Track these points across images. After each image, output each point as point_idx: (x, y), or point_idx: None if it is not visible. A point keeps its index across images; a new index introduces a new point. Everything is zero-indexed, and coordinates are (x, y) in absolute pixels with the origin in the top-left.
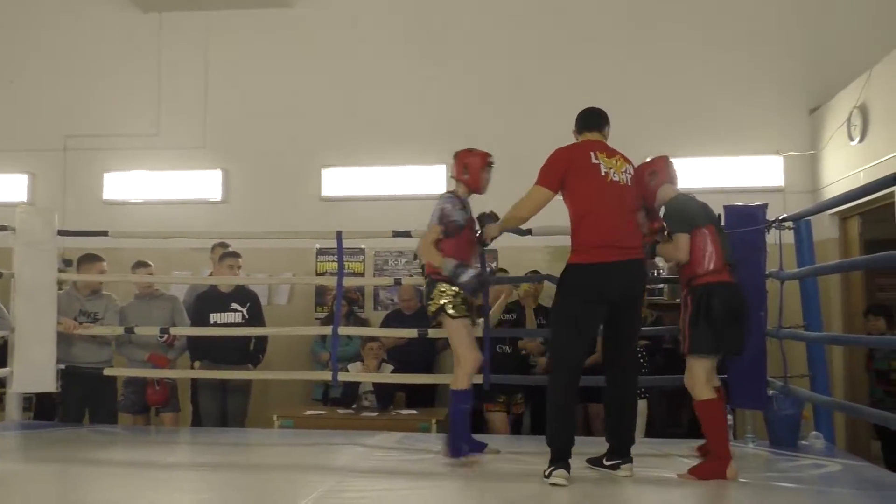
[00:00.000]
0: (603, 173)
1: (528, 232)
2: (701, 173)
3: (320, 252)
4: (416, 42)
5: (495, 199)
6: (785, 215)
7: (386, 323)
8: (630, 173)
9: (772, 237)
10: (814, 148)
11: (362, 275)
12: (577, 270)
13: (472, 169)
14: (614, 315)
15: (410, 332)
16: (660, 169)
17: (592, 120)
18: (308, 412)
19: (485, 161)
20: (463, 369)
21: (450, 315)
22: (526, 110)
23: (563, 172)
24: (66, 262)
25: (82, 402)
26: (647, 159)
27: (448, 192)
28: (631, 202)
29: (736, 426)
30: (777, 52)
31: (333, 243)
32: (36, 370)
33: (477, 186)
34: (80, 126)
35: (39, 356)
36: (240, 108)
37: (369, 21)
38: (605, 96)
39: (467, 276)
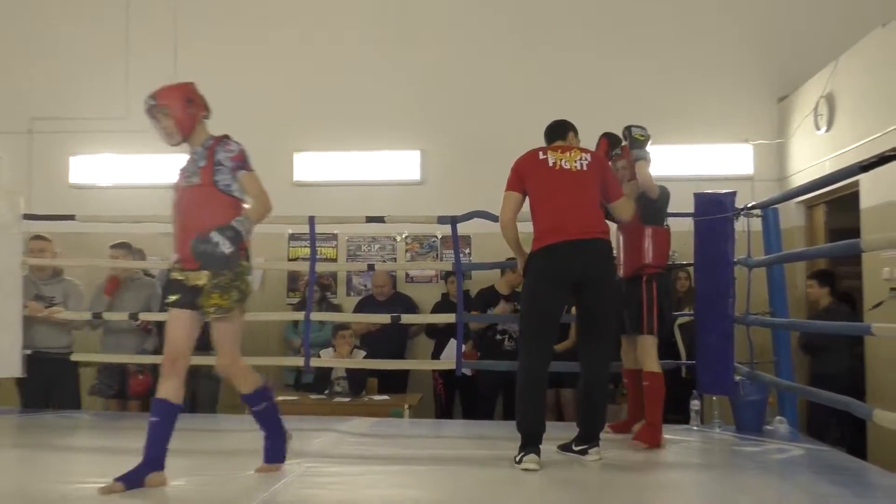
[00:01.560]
0: (551, 164)
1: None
2: (672, 161)
3: (293, 237)
4: (390, 26)
5: (478, 186)
6: (753, 203)
7: (359, 309)
8: (587, 160)
9: (740, 225)
10: (782, 136)
11: (335, 260)
12: (535, 256)
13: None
14: (580, 298)
15: (383, 318)
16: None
17: (554, 132)
18: (280, 398)
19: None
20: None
21: None
22: (498, 96)
23: (520, 176)
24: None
25: (44, 387)
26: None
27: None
28: (586, 186)
29: (703, 412)
30: (746, 41)
31: (306, 229)
32: (2, 355)
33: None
34: (46, 108)
35: (5, 341)
36: (210, 90)
37: (343, 4)
38: (576, 85)
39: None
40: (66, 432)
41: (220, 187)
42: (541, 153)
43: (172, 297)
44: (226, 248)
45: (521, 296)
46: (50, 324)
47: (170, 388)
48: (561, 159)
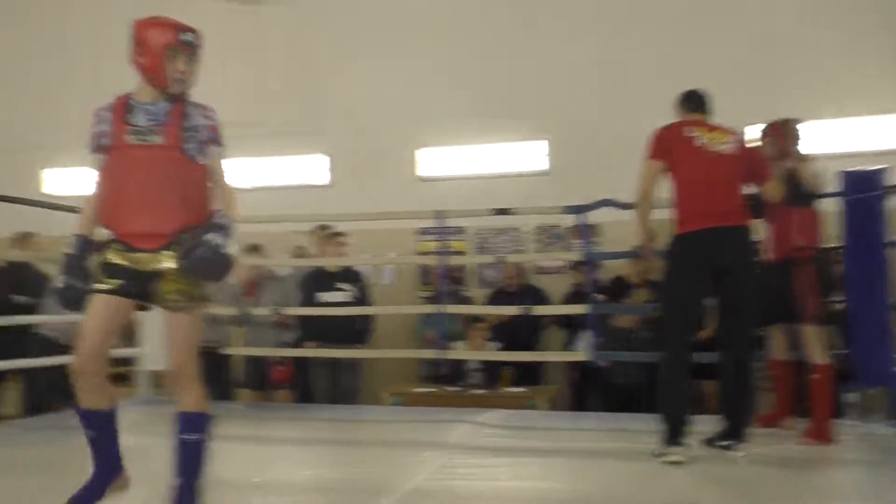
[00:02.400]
0: (699, 144)
1: (631, 205)
2: (817, 137)
3: (422, 232)
4: (511, 17)
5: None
6: None
7: (490, 300)
8: (734, 142)
9: (893, 203)
10: None
11: (464, 253)
12: (679, 241)
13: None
14: (721, 286)
15: (514, 310)
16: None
17: (691, 102)
18: (417, 389)
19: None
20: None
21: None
22: (624, 83)
23: (664, 147)
24: None
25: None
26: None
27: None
28: (732, 170)
29: (863, 406)
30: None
31: (435, 223)
32: (155, 348)
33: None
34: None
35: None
36: (338, 92)
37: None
38: (710, 71)
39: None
40: (217, 421)
41: (186, 154)
42: (685, 129)
43: (106, 284)
44: (230, 249)
45: (658, 284)
46: (210, 320)
47: (91, 396)
48: (710, 140)
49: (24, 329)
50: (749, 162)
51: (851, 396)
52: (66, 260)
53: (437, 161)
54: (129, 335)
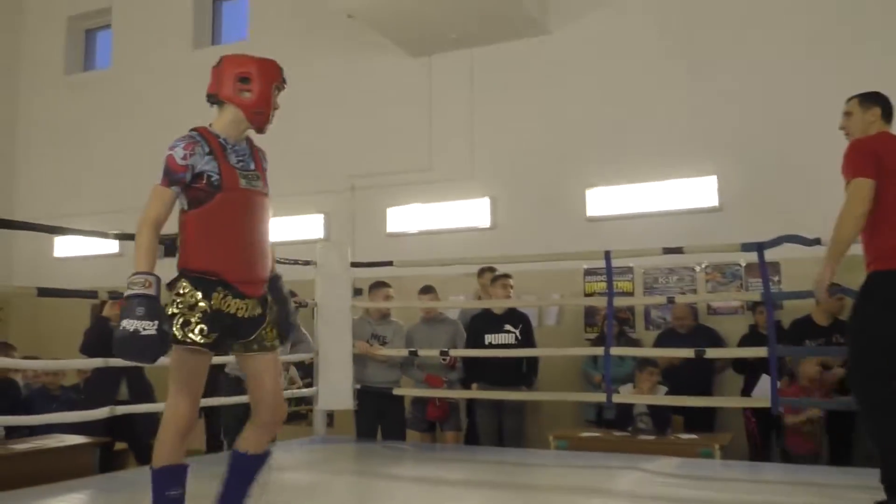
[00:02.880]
0: None
1: (817, 241)
2: None
3: (588, 272)
4: (675, 54)
5: (777, 210)
6: None
7: (659, 342)
8: None
9: None
10: None
11: (632, 294)
12: (887, 279)
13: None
14: None
15: (687, 353)
16: None
17: (892, 109)
18: (583, 433)
19: (278, 77)
20: (166, 430)
21: (175, 336)
22: (794, 116)
23: (879, 159)
24: (356, 291)
25: (375, 419)
26: None
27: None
28: None
29: None
30: None
31: (601, 263)
32: (336, 389)
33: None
34: (363, 166)
35: (339, 376)
36: (505, 136)
37: (626, 37)
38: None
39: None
40: (389, 461)
41: (269, 200)
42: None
43: (210, 338)
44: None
45: (853, 325)
46: (380, 361)
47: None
48: None
49: (218, 368)
50: None
51: None
52: (148, 303)
53: (604, 200)
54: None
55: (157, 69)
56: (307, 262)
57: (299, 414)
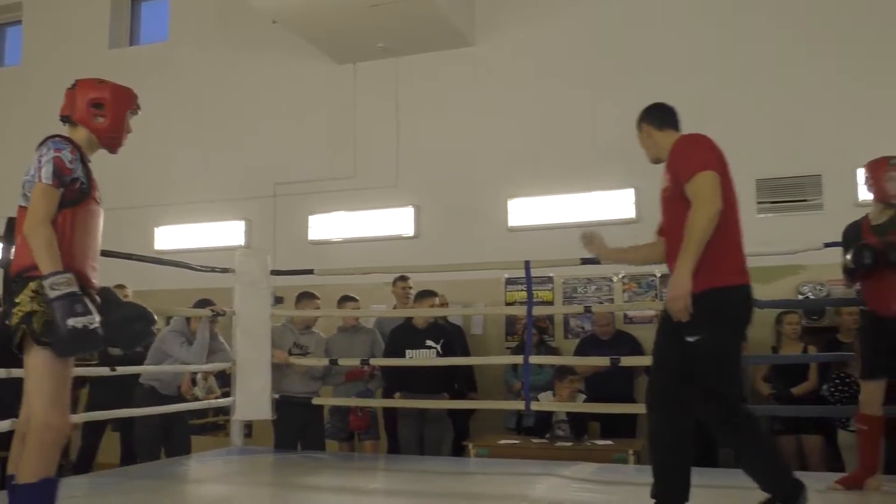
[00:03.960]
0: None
1: None
2: None
3: (509, 282)
4: (596, 69)
5: None
6: None
7: (581, 348)
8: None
9: None
10: None
11: (552, 303)
12: (738, 295)
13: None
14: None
15: (602, 361)
16: None
17: (675, 116)
18: (503, 441)
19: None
20: (44, 441)
21: (35, 336)
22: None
23: (717, 157)
24: (277, 300)
25: (294, 429)
26: None
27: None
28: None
29: None
30: None
31: (522, 273)
32: (255, 399)
33: None
34: (286, 173)
35: (257, 386)
36: (429, 146)
37: (549, 51)
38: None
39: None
40: (308, 472)
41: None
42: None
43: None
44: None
45: (704, 342)
46: (300, 371)
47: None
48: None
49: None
50: None
51: None
52: (81, 299)
53: (525, 211)
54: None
55: (69, 68)
56: (225, 270)
57: (217, 424)
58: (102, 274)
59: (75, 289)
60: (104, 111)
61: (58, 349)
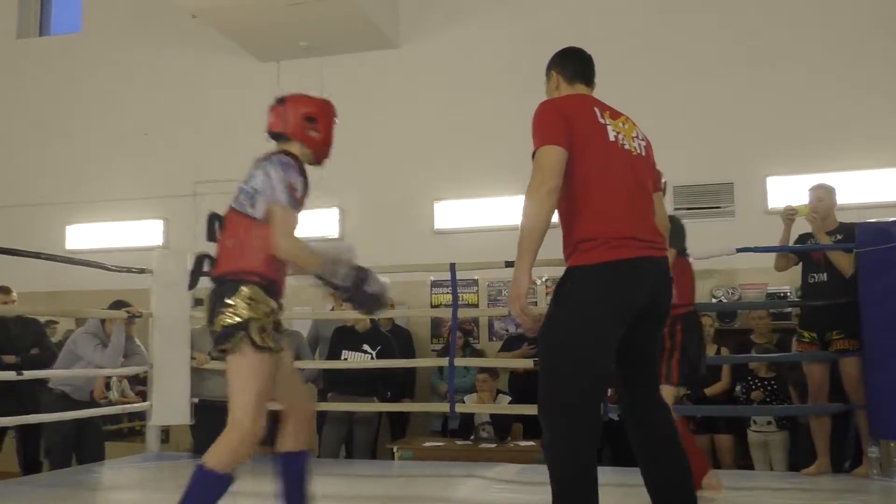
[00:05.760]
0: (612, 138)
1: None
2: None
3: (434, 284)
4: (520, 72)
5: None
6: None
7: (507, 347)
8: (644, 140)
9: None
10: None
11: (476, 306)
12: (587, 274)
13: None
14: (633, 335)
15: (526, 362)
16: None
17: (585, 66)
18: (427, 443)
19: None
20: (233, 436)
21: (253, 342)
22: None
23: (565, 128)
24: (197, 302)
25: (214, 434)
26: None
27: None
28: (647, 180)
29: (885, 458)
30: None
31: (447, 275)
32: (172, 404)
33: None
34: (208, 172)
35: (175, 390)
36: (354, 147)
37: (473, 54)
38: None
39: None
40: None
41: None
42: (597, 113)
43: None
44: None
45: (546, 334)
46: (221, 374)
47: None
48: (619, 132)
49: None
50: (655, 173)
51: (873, 451)
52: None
53: (451, 214)
54: None
55: None
56: (142, 271)
57: (132, 430)
58: (5, 275)
59: (357, 263)
60: (317, 125)
61: (364, 309)
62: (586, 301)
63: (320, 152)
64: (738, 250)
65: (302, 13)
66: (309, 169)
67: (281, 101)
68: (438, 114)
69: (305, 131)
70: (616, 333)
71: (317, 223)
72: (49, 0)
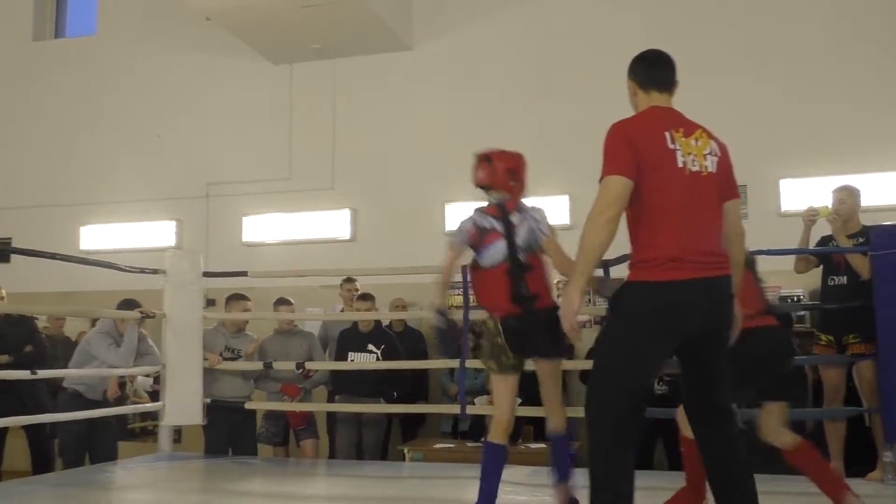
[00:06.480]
0: (680, 164)
1: None
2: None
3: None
4: (531, 75)
5: None
6: None
7: None
8: (717, 154)
9: None
10: None
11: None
12: (639, 291)
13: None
14: (694, 354)
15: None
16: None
17: (657, 72)
18: (438, 445)
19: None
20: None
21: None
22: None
23: (631, 155)
24: (209, 302)
25: (226, 434)
26: None
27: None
28: (715, 197)
29: None
30: None
31: (459, 277)
32: (185, 403)
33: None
34: (220, 174)
35: (188, 390)
36: (366, 149)
37: (485, 56)
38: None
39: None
40: (239, 477)
41: None
42: (667, 133)
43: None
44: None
45: (600, 336)
46: (233, 374)
47: None
48: (690, 154)
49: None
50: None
51: (888, 455)
52: None
53: (463, 215)
54: None
55: None
56: (155, 271)
57: (145, 430)
58: (21, 275)
59: None
60: (516, 176)
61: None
62: (634, 314)
63: (516, 197)
64: (752, 253)
65: (315, 15)
66: (320, 171)
67: (488, 158)
68: (450, 116)
69: (508, 182)
70: (657, 349)
71: (328, 225)
72: (64, 3)
